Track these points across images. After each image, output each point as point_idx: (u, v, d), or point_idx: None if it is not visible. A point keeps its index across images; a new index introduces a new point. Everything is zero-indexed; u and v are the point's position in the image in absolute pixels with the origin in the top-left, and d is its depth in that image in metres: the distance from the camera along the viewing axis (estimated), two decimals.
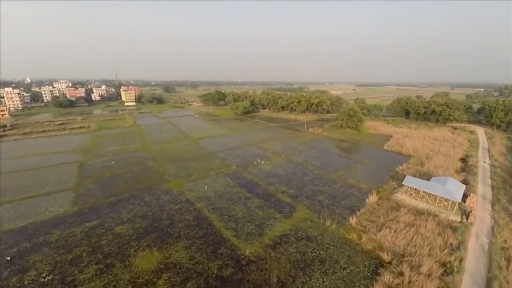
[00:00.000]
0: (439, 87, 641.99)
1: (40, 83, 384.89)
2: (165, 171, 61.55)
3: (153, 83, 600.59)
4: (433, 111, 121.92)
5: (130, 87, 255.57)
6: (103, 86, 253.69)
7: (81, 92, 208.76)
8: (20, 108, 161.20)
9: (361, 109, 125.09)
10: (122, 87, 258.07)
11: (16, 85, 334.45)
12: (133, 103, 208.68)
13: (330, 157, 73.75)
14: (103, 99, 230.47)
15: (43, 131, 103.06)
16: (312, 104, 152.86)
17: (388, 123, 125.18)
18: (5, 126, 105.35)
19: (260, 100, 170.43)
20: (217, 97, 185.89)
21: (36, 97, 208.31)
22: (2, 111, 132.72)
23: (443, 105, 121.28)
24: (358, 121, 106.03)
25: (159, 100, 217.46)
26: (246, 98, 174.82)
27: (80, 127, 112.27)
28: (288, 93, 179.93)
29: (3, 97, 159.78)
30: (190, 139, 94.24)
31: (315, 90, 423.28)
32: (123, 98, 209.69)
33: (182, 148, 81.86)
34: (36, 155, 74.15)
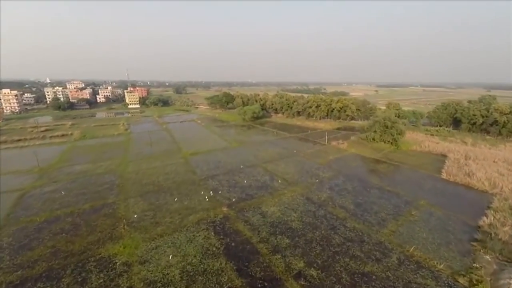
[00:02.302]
0: (470, 88, 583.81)
1: (58, 84, 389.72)
2: (124, 213, 42.58)
3: (167, 84, 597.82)
4: (495, 122, 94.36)
5: (137, 88, 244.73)
6: (109, 88, 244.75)
7: (84, 93, 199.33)
8: (17, 110, 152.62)
9: (398, 117, 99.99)
10: (128, 88, 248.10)
11: (31, 85, 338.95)
12: (137, 106, 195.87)
13: (367, 191, 51.23)
14: (108, 100, 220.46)
15: (18, 140, 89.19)
16: (334, 109, 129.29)
17: (432, 135, 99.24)
18: None
19: (272, 104, 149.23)
20: (224, 100, 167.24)
21: (40, 98, 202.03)
22: None
23: (508, 114, 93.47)
24: (397, 133, 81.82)
25: (165, 103, 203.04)
26: (256, 101, 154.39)
27: (62, 135, 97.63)
28: (305, 96, 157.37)
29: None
30: (181, 154, 75.33)
31: (333, 91, 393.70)
32: (127, 100, 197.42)
33: (166, 169, 62.90)
34: None
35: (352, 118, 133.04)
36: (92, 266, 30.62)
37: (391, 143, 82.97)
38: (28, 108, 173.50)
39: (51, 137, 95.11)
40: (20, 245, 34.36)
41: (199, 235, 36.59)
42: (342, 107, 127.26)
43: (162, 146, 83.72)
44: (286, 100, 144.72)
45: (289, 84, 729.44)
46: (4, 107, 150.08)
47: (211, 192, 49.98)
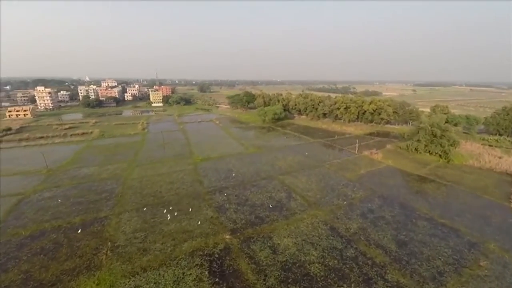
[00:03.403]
0: None
1: (96, 82, 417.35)
2: (113, 233, 36.79)
3: (193, 82, 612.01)
4: None
5: (162, 87, 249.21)
6: (136, 86, 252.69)
7: (112, 92, 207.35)
8: (50, 107, 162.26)
9: (447, 122, 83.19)
10: (154, 86, 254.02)
11: (71, 83, 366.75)
12: (160, 104, 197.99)
13: (412, 223, 39.48)
14: (135, 99, 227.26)
15: (40, 138, 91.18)
16: (365, 111, 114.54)
17: (491, 146, 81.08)
18: (9, 129, 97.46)
19: (295, 105, 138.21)
20: (245, 99, 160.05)
21: (75, 96, 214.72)
22: (25, 111, 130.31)
23: None
24: (449, 144, 66.71)
25: (187, 101, 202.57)
26: (278, 101, 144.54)
27: (83, 133, 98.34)
28: (332, 96, 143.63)
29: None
30: (191, 159, 69.30)
31: (363, 91, 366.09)
32: (151, 99, 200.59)
33: (172, 177, 56.98)
34: None
35: (387, 122, 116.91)
36: None
37: (440, 155, 68.07)
38: (62, 105, 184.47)
39: (71, 135, 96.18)
40: None
41: (190, 275, 29.04)
42: (376, 109, 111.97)
43: (174, 149, 78.76)
44: (311, 100, 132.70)
45: (315, 83, 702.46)
46: (39, 104, 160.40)
47: (214, 211, 42.45)
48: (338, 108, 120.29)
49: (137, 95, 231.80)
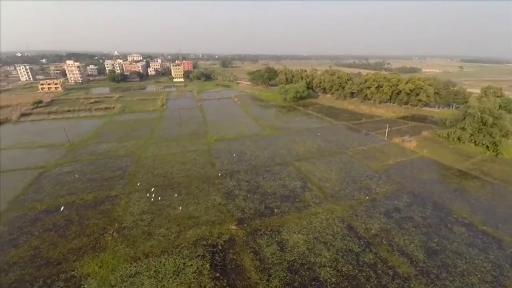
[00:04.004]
0: None
1: (124, 56, 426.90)
2: (121, 213, 36.64)
3: (216, 57, 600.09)
4: None
5: (183, 62, 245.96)
6: (159, 61, 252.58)
7: (136, 66, 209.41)
8: (80, 81, 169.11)
9: (500, 108, 69.98)
10: (176, 61, 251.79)
11: (100, 57, 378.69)
12: (181, 79, 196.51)
13: (447, 228, 33.85)
14: (158, 74, 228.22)
15: (68, 111, 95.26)
16: (400, 91, 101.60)
17: None
18: (40, 101, 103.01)
19: (320, 82, 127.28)
20: (266, 76, 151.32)
21: (103, 70, 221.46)
22: (56, 84, 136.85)
23: None
24: (501, 135, 56.16)
25: (207, 77, 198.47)
26: (302, 78, 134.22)
27: (106, 108, 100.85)
28: (363, 73, 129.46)
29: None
30: (206, 139, 67.31)
31: (399, 67, 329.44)
32: (172, 74, 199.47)
33: (184, 157, 55.72)
34: (22, 146, 61.48)
35: (426, 105, 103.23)
36: None
37: (487, 147, 58.03)
38: (91, 79, 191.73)
39: (95, 109, 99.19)
40: (9, 239, 31.44)
41: (191, 266, 27.71)
42: (414, 89, 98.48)
43: (189, 127, 77.27)
44: (338, 78, 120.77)
45: (345, 58, 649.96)
46: (69, 77, 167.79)
47: (223, 197, 40.42)
48: (369, 87, 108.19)
49: (160, 70, 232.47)
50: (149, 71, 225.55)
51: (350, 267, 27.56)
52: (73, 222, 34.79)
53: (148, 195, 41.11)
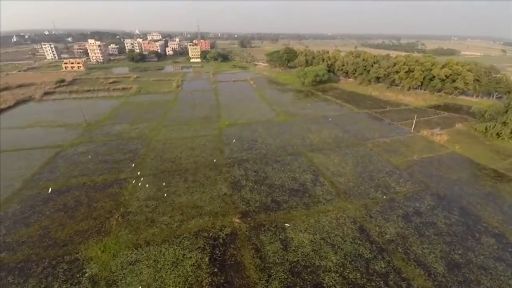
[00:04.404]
0: None
1: (144, 35, 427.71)
2: (128, 198, 36.77)
3: (235, 36, 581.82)
4: None
5: (200, 41, 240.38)
6: (177, 40, 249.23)
7: (154, 46, 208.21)
8: (101, 60, 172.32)
9: None
10: (194, 40, 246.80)
11: (122, 36, 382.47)
12: (198, 60, 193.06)
13: (474, 238, 29.92)
14: (176, 53, 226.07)
15: (87, 91, 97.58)
16: (434, 77, 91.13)
17: None
18: (62, 80, 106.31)
19: (343, 65, 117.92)
20: (285, 57, 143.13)
21: (123, 50, 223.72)
22: (78, 63, 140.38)
23: None
24: None
25: (224, 58, 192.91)
26: (323, 60, 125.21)
27: (123, 88, 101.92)
28: (392, 55, 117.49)
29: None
30: (218, 123, 65.54)
31: (434, 49, 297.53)
32: (190, 54, 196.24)
33: (194, 142, 54.72)
34: (42, 125, 63.97)
35: (462, 93, 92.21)
36: (61, 271, 25.66)
37: None
38: (111, 58, 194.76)
39: (113, 89, 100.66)
40: (21, 217, 32.85)
41: (190, 258, 27.10)
42: (450, 74, 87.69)
43: (202, 111, 75.76)
44: (363, 60, 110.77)
45: (373, 37, 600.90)
46: (91, 57, 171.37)
47: (229, 187, 39.08)
48: (397, 71, 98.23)
49: (178, 50, 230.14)
50: (167, 51, 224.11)
51: (358, 274, 25.36)
52: (82, 204, 35.58)
53: (155, 180, 40.94)
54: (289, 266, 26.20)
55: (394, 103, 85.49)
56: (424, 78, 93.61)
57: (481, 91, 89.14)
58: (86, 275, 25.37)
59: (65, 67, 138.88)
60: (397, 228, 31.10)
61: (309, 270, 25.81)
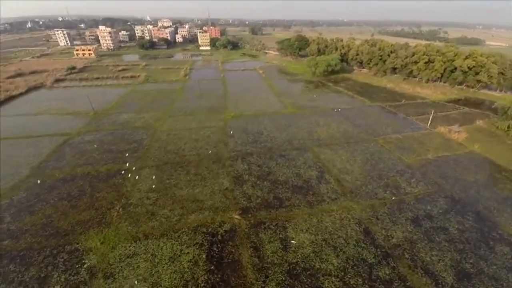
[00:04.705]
0: None
1: (155, 22, 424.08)
2: (130, 189, 36.74)
3: (246, 23, 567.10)
4: None
5: (211, 28, 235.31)
6: (186, 27, 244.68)
7: (164, 33, 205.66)
8: (111, 47, 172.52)
9: None
10: (204, 27, 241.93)
11: (132, 22, 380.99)
12: (208, 47, 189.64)
13: (488, 247, 27.68)
14: (185, 40, 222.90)
15: (97, 78, 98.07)
16: (455, 68, 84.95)
17: None
18: (73, 68, 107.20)
19: (357, 54, 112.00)
20: (296, 45, 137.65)
21: (133, 36, 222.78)
22: (89, 50, 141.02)
23: None
24: None
25: (234, 45, 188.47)
26: (336, 49, 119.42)
27: (131, 77, 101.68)
28: (411, 44, 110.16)
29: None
30: (223, 114, 64.23)
31: (457, 37, 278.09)
32: (199, 41, 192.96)
33: (199, 134, 53.91)
34: (52, 112, 64.87)
35: (485, 86, 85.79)
36: (61, 260, 26.01)
37: None
38: (122, 45, 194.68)
39: (122, 77, 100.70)
40: (26, 205, 33.51)
41: (188, 254, 26.77)
42: (474, 66, 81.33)
43: (209, 101, 74.47)
44: (380, 49, 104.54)
45: (392, 24, 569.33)
46: (102, 44, 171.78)
47: (231, 182, 38.25)
48: (416, 62, 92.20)
49: (187, 37, 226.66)
50: (177, 38, 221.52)
51: (359, 280, 24.20)
52: (85, 193, 35.88)
53: (157, 172, 40.70)
54: (288, 268, 25.36)
55: (410, 96, 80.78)
56: (444, 70, 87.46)
57: (505, 85, 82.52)
58: (85, 266, 25.61)
59: (77, 54, 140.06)
60: (405, 232, 29.39)
61: (308, 273, 24.89)
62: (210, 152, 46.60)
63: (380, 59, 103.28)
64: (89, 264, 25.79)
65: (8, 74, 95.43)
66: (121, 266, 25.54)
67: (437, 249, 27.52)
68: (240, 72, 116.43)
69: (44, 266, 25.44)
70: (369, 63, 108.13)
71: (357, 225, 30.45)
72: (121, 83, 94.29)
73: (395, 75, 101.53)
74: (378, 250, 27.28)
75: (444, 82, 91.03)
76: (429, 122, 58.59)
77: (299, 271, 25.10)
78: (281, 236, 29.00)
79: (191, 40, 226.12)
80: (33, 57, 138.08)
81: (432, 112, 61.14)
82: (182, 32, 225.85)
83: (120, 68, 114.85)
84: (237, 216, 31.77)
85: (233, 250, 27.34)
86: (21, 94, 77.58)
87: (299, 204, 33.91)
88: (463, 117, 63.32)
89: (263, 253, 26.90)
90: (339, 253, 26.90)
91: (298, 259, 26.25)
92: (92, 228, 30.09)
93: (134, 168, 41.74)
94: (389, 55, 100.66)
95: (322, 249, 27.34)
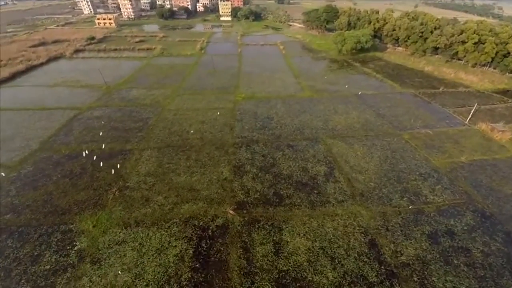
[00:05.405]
0: None
1: None
2: (129, 171, 36.12)
3: None
4: None
5: None
6: None
7: (184, 1, 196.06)
8: (132, 16, 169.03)
9: None
10: None
11: None
12: (229, 18, 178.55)
13: None
14: (206, 10, 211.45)
15: (114, 50, 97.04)
16: (509, 53, 70.74)
17: None
18: (93, 38, 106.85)
19: (393, 30, 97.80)
20: (324, 18, 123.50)
21: (155, 5, 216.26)
22: (109, 19, 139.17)
23: None
24: None
25: (257, 16, 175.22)
26: (369, 22, 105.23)
27: (147, 49, 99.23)
28: (460, 20, 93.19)
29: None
30: (234, 95, 60.51)
31: None
32: (220, 11, 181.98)
33: (206, 115, 51.35)
34: (67, 85, 65.48)
35: None
36: (54, 240, 26.49)
37: None
38: (143, 14, 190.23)
39: (138, 49, 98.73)
40: (31, 179, 34.42)
41: (175, 247, 25.82)
42: None
43: (220, 79, 70.44)
44: (421, 24, 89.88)
45: None
46: (123, 12, 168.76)
47: (231, 172, 36.04)
48: (464, 42, 78.24)
49: (209, 6, 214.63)
50: (197, 7, 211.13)
51: None
52: (86, 172, 35.99)
53: (158, 155, 39.58)
54: (277, 276, 23.45)
55: (451, 83, 69.86)
56: (496, 53, 73.43)
57: None
58: (75, 248, 25.83)
59: (98, 23, 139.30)
60: (418, 250, 25.67)
61: (298, 284, 22.80)
62: (214, 136, 44.32)
63: (421, 36, 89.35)
64: (79, 247, 25.96)
65: (32, 43, 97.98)
66: (109, 253, 25.36)
67: (453, 274, 23.74)
68: (259, 47, 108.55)
69: (39, 244, 26.06)
70: (406, 41, 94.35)
71: (362, 234, 27.18)
72: (137, 55, 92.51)
73: (436, 56, 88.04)
74: (382, 267, 24.18)
75: (494, 68, 77.11)
76: (469, 116, 50.13)
77: (288, 281, 23.09)
78: (275, 238, 26.82)
79: (212, 9, 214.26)
80: (57, 26, 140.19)
81: (475, 105, 52.12)
82: (203, 1, 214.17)
83: (137, 39, 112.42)
84: (231, 211, 29.91)
85: (222, 249, 25.87)
86: (41, 64, 79.25)
87: (301, 203, 31.04)
88: (511, 113, 53.49)
89: (253, 256, 25.11)
90: (336, 265, 24.26)
91: (290, 267, 24.14)
92: (87, 209, 30.16)
93: (136, 149, 41.05)
94: (432, 32, 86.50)
95: (318, 258, 24.85)
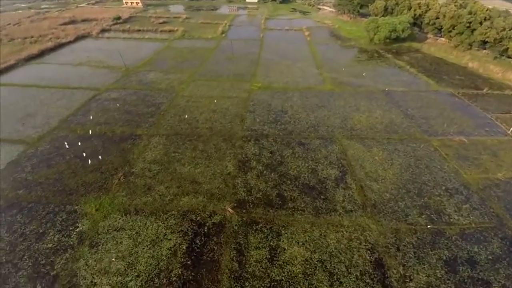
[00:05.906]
0: None
1: None
2: (136, 157, 36.36)
3: None
4: None
5: None
6: None
7: None
8: None
9: None
10: None
11: None
12: (255, 0, 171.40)
13: None
14: None
15: (138, 31, 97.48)
16: None
17: None
18: (118, 18, 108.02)
19: (437, 18, 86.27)
20: (358, 1, 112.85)
21: None
22: None
23: None
24: None
25: None
26: (409, 8, 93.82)
27: (169, 31, 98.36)
28: None
29: None
30: (249, 84, 57.99)
31: None
32: None
33: (218, 104, 49.80)
34: (91, 65, 67.01)
35: None
36: (59, 220, 27.51)
37: None
38: None
39: (161, 31, 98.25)
40: (47, 157, 35.94)
41: (170, 240, 25.57)
42: None
43: (238, 66, 67.80)
44: (469, 14, 77.98)
45: None
46: None
47: (235, 167, 34.71)
48: None
49: None
50: None
51: None
52: (97, 155, 36.71)
53: (165, 142, 39.30)
54: (268, 285, 22.22)
55: (497, 84, 60.76)
56: None
57: None
58: (77, 230, 26.62)
59: (126, 2, 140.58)
60: (431, 277, 22.81)
61: None
62: (224, 127, 42.95)
63: (468, 27, 77.90)
64: (81, 229, 26.73)
65: (63, 21, 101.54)
66: (107, 238, 25.81)
67: None
68: (283, 32, 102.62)
69: (45, 222, 27.24)
70: (450, 31, 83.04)
71: (368, 251, 24.78)
72: (158, 37, 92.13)
73: (484, 51, 76.71)
74: None
75: None
76: None
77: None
78: (271, 244, 25.43)
79: None
80: (88, 4, 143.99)
81: None
82: None
83: (161, 20, 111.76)
84: (230, 209, 28.87)
85: (216, 248, 25.11)
86: (69, 42, 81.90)
87: (304, 208, 29.05)
88: None
89: (246, 260, 24.06)
90: (334, 282, 22.42)
91: (283, 277, 22.76)
92: (93, 192, 30.90)
93: (146, 134, 41.13)
94: (481, 23, 74.92)
95: (315, 272, 23.14)
